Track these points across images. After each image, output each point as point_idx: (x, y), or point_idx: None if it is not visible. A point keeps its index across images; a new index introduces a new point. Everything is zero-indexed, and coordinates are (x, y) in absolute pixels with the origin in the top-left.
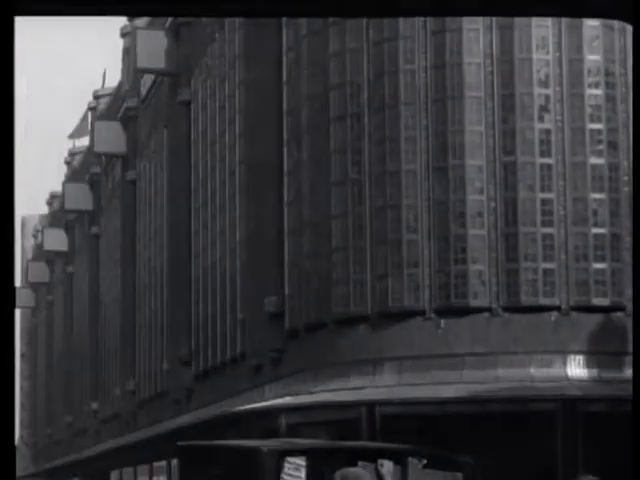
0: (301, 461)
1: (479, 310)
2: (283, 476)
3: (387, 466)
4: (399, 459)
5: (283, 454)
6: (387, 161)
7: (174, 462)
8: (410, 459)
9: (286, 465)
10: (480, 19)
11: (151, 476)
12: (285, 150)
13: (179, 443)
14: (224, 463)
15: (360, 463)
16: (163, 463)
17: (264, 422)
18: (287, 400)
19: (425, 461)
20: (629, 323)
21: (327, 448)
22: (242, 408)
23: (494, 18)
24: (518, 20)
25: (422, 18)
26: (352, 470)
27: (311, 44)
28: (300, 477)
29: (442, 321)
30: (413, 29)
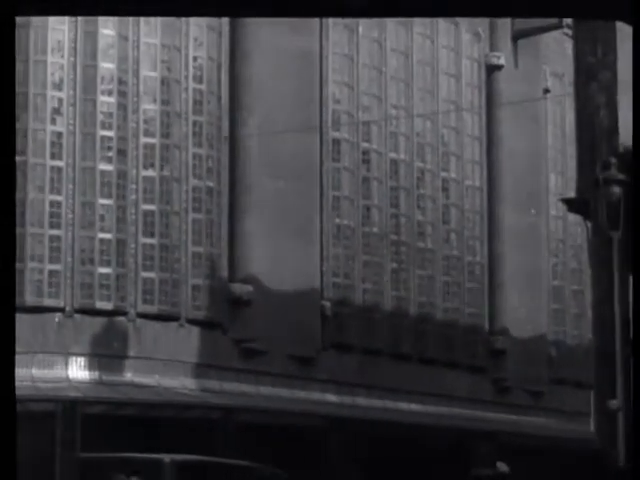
0: None
1: None
2: None
3: None
4: None
5: (186, 466)
6: None
7: None
8: None
9: None
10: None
11: None
12: None
13: (81, 454)
14: (127, 474)
15: None
16: None
17: None
18: None
19: None
20: (131, 327)
21: None
22: None
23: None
24: (35, 21)
25: None
26: None
27: None
28: None
29: None
30: None
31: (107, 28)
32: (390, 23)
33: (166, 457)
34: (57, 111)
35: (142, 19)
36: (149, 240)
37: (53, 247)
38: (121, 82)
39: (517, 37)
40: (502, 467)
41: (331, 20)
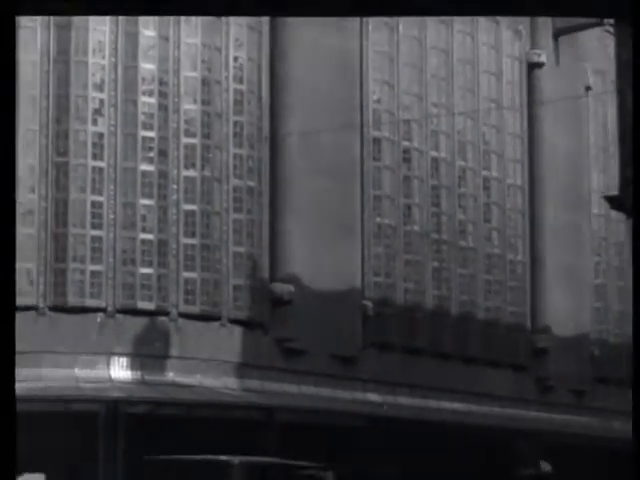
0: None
1: (26, 308)
2: None
3: None
4: None
5: (253, 467)
6: None
7: None
8: None
9: None
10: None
11: None
12: None
13: (145, 457)
14: (192, 476)
15: None
16: None
17: None
18: None
19: None
20: (172, 327)
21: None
22: None
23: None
24: (76, 22)
25: None
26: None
27: None
28: None
29: None
30: None
31: (148, 29)
32: (430, 22)
33: (235, 459)
34: (98, 112)
35: (183, 19)
36: (190, 240)
37: (95, 248)
38: (162, 83)
39: (558, 34)
40: (545, 467)
41: (371, 19)
